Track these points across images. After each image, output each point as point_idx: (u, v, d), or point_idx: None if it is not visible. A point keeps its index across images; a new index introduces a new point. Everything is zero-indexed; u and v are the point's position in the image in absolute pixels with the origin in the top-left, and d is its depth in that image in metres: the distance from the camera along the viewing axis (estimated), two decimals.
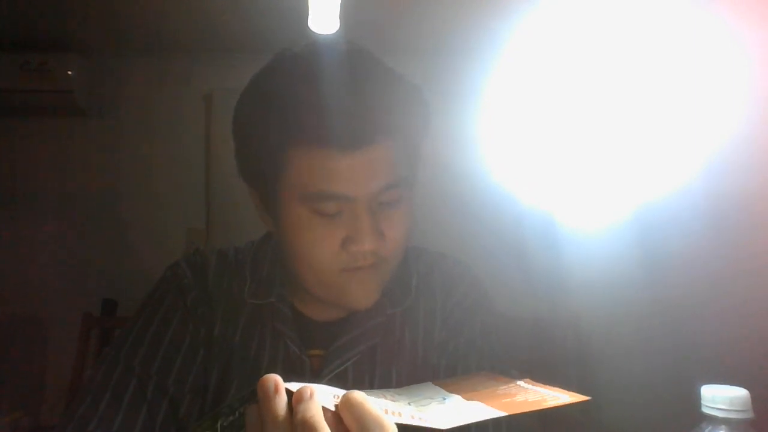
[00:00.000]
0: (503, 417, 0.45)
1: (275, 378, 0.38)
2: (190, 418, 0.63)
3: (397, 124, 0.60)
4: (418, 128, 0.65)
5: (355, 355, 0.66)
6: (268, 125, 0.60)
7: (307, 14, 1.71)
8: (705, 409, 0.48)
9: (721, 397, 0.47)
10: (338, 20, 1.74)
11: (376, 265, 0.62)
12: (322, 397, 0.38)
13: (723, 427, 0.47)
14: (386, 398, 0.45)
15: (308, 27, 1.76)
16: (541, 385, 0.48)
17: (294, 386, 0.38)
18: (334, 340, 0.67)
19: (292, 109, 0.58)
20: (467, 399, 0.47)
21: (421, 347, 0.69)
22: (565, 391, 0.47)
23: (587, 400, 0.46)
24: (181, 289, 0.68)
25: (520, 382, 0.50)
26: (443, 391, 0.49)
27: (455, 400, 0.47)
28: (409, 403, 0.45)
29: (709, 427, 0.48)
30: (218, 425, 0.39)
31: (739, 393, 0.47)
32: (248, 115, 0.63)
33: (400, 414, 0.41)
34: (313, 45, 0.63)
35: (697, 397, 0.49)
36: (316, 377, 0.65)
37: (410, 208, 0.65)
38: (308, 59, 0.61)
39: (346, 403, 0.38)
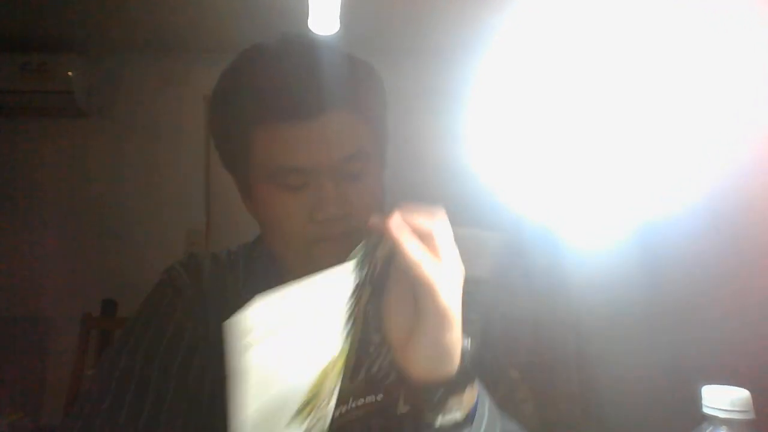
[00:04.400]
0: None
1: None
2: (191, 415, 0.64)
3: (350, 97, 0.64)
4: (373, 102, 0.68)
5: None
6: (232, 110, 0.65)
7: (307, 15, 1.71)
8: (706, 410, 0.48)
9: (722, 398, 0.47)
10: (338, 21, 1.74)
11: (348, 234, 0.63)
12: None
13: (724, 427, 0.47)
14: None
15: (308, 27, 1.76)
16: None
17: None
18: None
19: (250, 92, 0.63)
20: None
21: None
22: None
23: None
24: (177, 289, 0.70)
25: None
26: None
27: None
28: None
29: (710, 428, 0.48)
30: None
31: (740, 394, 0.47)
32: (215, 105, 0.68)
33: None
34: (275, 39, 0.67)
35: (698, 398, 0.49)
36: None
37: (378, 182, 0.68)
38: (267, 48, 0.66)
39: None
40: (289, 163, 0.62)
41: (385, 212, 0.72)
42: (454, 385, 0.49)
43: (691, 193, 1.37)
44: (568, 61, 1.71)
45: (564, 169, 1.84)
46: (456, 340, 0.48)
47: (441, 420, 0.49)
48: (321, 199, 0.61)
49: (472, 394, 0.51)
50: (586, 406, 1.83)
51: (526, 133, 1.91)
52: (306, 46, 0.66)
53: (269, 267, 0.72)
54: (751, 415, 0.47)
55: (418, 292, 0.47)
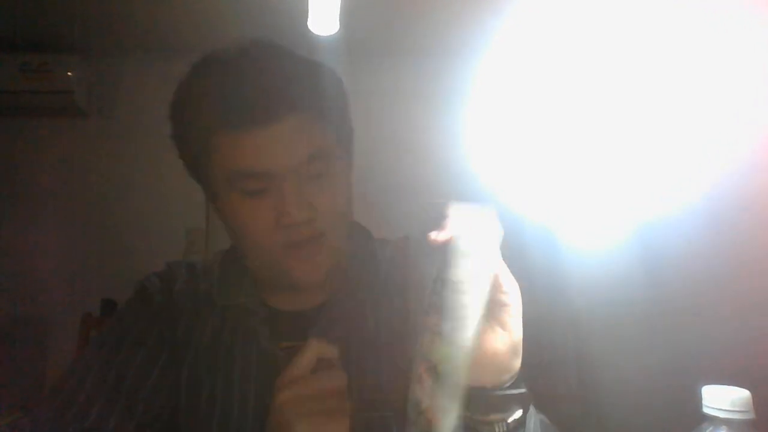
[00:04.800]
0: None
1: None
2: (161, 416, 0.67)
3: (307, 99, 0.64)
4: (331, 102, 0.69)
5: (319, 332, 0.67)
6: (190, 120, 0.66)
7: (307, 15, 1.71)
8: (706, 410, 0.48)
9: (722, 398, 0.47)
10: (338, 21, 1.74)
11: (315, 238, 0.64)
12: None
13: (724, 427, 0.47)
14: None
15: (308, 27, 1.76)
16: None
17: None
18: (307, 329, 0.68)
19: (206, 101, 0.64)
20: None
21: (394, 335, 0.70)
22: None
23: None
24: (148, 295, 0.73)
25: None
26: None
27: None
28: None
29: (711, 428, 0.48)
30: None
31: (741, 394, 0.47)
32: (174, 115, 0.69)
33: None
34: (231, 47, 0.67)
35: (698, 398, 0.49)
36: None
37: (344, 183, 0.69)
38: (221, 57, 0.66)
39: None
40: (247, 169, 0.62)
41: (352, 213, 0.73)
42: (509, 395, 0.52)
43: (690, 194, 1.37)
44: (567, 61, 1.71)
45: (564, 168, 1.84)
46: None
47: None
48: (284, 203, 0.62)
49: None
50: (586, 406, 1.83)
51: (527, 133, 1.91)
52: (261, 51, 0.66)
53: (243, 274, 0.73)
54: (751, 415, 0.47)
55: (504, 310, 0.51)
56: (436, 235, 0.48)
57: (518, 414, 0.51)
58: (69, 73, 2.00)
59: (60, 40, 2.02)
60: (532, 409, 0.54)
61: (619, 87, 1.57)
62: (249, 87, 0.61)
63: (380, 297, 0.72)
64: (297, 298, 0.71)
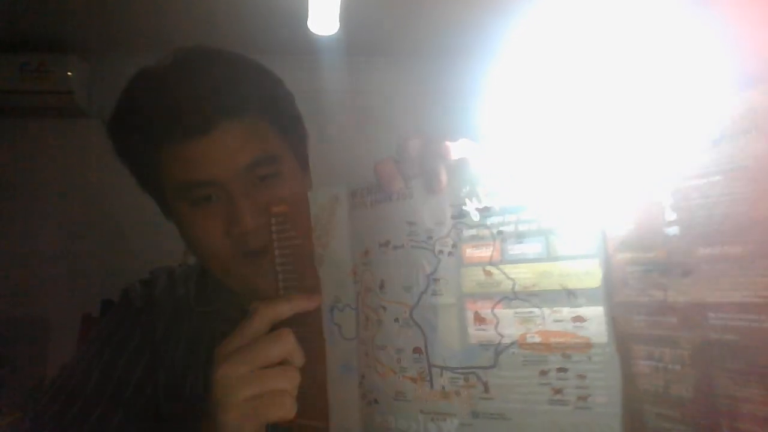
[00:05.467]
0: None
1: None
2: (145, 416, 0.68)
3: (242, 104, 0.62)
4: (274, 103, 0.67)
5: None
6: (131, 135, 0.64)
7: (307, 15, 1.71)
8: None
9: None
10: (338, 21, 1.74)
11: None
12: None
13: None
14: None
15: (308, 28, 1.77)
16: None
17: None
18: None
19: (142, 116, 0.62)
20: None
21: None
22: None
23: None
24: (129, 300, 0.76)
25: None
26: None
27: None
28: None
29: None
30: None
31: None
32: (115, 132, 0.67)
33: None
34: (163, 58, 0.67)
35: None
36: None
37: (297, 180, 0.66)
38: (153, 72, 0.65)
39: None
40: (192, 178, 0.61)
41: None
42: None
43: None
44: (567, 59, 1.71)
45: (565, 168, 1.84)
46: None
47: None
48: (234, 212, 0.60)
49: None
50: None
51: (527, 133, 1.91)
52: (191, 60, 0.65)
53: (219, 281, 0.71)
54: None
55: None
56: None
57: None
58: (69, 73, 2.00)
59: (60, 40, 2.02)
60: None
61: (622, 88, 1.57)
62: (181, 97, 0.60)
63: None
64: None
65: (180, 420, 0.67)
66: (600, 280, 0.39)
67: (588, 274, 0.39)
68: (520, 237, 0.42)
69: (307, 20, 1.73)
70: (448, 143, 0.44)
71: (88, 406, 0.67)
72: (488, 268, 0.42)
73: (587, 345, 0.38)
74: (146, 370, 0.70)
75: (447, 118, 2.05)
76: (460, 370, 0.43)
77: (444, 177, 0.43)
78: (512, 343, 0.41)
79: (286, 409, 0.45)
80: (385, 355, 0.46)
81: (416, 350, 0.45)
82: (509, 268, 0.41)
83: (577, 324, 0.39)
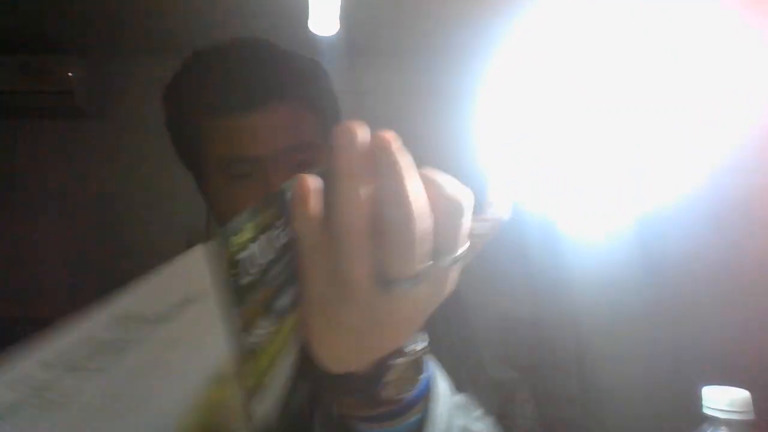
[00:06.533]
0: None
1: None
2: None
3: (295, 90, 0.66)
4: (320, 95, 0.70)
5: None
6: (181, 106, 0.69)
7: (308, 15, 1.71)
8: (706, 410, 0.48)
9: (722, 399, 0.47)
10: (338, 21, 1.74)
11: None
12: None
13: (724, 428, 0.47)
14: None
15: (308, 28, 1.77)
16: None
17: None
18: None
19: (196, 88, 0.67)
20: None
21: None
22: None
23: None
24: None
25: None
26: None
27: None
28: None
29: (710, 429, 0.48)
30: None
31: (740, 394, 0.47)
32: (167, 103, 0.72)
33: None
34: (221, 41, 0.70)
35: (698, 399, 0.49)
36: None
37: None
38: (213, 48, 0.69)
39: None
40: (233, 153, 0.64)
41: None
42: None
43: (691, 194, 1.37)
44: (567, 56, 1.71)
45: (566, 166, 1.84)
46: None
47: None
48: (267, 191, 0.62)
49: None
50: (586, 406, 1.83)
51: (527, 133, 1.91)
52: (249, 45, 0.69)
53: None
54: (751, 415, 0.47)
55: None
56: None
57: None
58: (69, 74, 2.00)
59: (60, 40, 2.01)
60: None
61: (622, 87, 1.57)
62: (236, 76, 0.64)
63: None
64: None
65: None
66: None
67: None
68: None
69: (307, 21, 1.73)
70: None
71: None
72: None
73: None
74: None
75: (447, 118, 2.04)
76: None
77: None
78: None
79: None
80: None
81: None
82: None
83: None
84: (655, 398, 1.52)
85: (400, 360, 0.38)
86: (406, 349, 0.39)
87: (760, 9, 1.14)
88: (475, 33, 1.93)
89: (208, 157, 0.67)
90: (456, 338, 0.70)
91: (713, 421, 0.47)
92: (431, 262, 0.32)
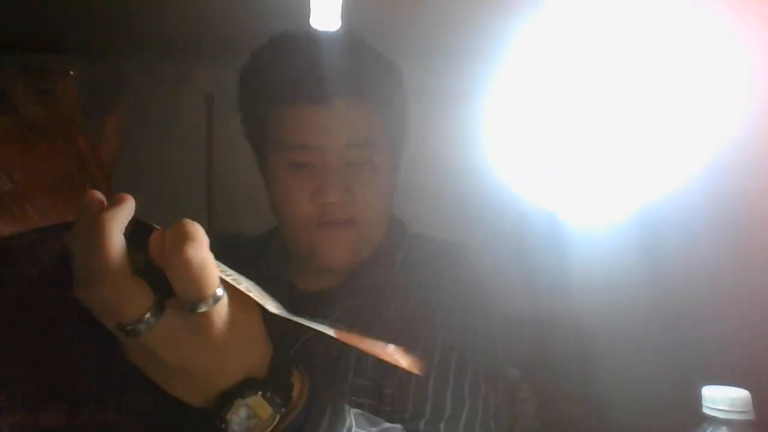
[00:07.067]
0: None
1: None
2: None
3: (364, 87, 0.67)
4: (388, 95, 0.71)
5: (334, 310, 0.69)
6: (253, 90, 0.71)
7: (309, 14, 1.71)
8: (706, 410, 0.48)
9: (722, 398, 0.47)
10: (340, 19, 1.74)
11: (348, 224, 0.67)
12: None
13: (724, 427, 0.47)
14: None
15: (310, 25, 1.76)
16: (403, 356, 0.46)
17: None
18: (319, 307, 0.69)
19: (269, 74, 0.68)
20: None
21: (403, 318, 0.68)
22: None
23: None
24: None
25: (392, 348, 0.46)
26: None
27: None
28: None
29: (711, 428, 0.48)
30: None
31: (740, 394, 0.47)
32: (241, 83, 0.73)
33: (237, 281, 0.39)
34: (300, 28, 0.71)
35: (698, 398, 0.49)
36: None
37: (385, 177, 0.70)
38: (290, 37, 0.70)
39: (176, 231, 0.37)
40: (297, 140, 0.66)
41: (391, 208, 0.73)
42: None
43: (692, 194, 1.37)
44: (568, 52, 1.71)
45: (567, 166, 1.84)
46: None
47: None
48: (323, 182, 0.64)
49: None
50: (586, 405, 1.83)
51: (528, 133, 1.91)
52: (327, 38, 0.71)
53: (276, 252, 0.76)
54: (751, 415, 0.47)
55: None
56: None
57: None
58: (69, 73, 2.00)
59: (60, 40, 2.02)
60: None
61: (622, 86, 1.57)
62: (311, 67, 0.65)
63: (397, 279, 0.72)
64: (318, 275, 0.73)
65: None
66: None
67: None
68: None
69: (309, 18, 1.73)
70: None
71: None
72: None
73: None
74: None
75: (448, 117, 2.04)
76: None
77: None
78: None
79: None
80: None
81: None
82: None
83: None
84: (655, 398, 1.52)
85: (240, 400, 0.40)
86: (244, 393, 0.40)
87: (760, 8, 1.14)
88: (477, 33, 1.93)
89: (272, 139, 0.69)
90: (478, 338, 0.69)
91: (713, 421, 0.47)
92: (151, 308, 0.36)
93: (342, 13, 1.71)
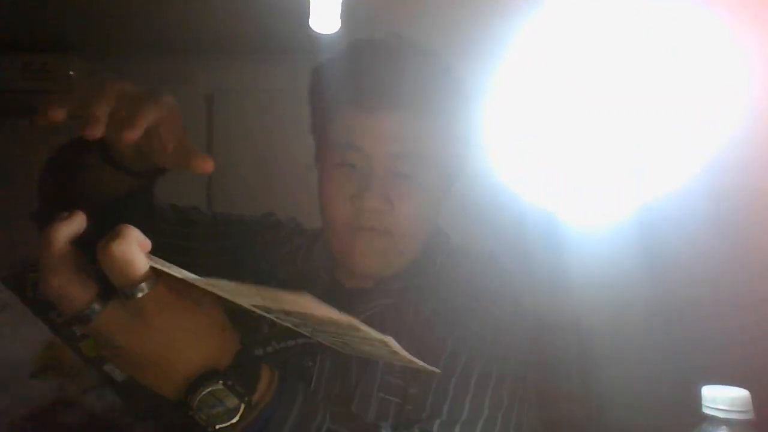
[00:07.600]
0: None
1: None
2: None
3: (422, 100, 0.69)
4: (446, 110, 0.72)
5: (369, 308, 0.71)
6: (326, 88, 0.75)
7: (308, 14, 1.71)
8: (706, 410, 0.48)
9: (722, 398, 0.47)
10: (339, 20, 1.74)
11: (383, 233, 0.68)
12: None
13: (724, 427, 0.47)
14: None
15: (309, 26, 1.76)
16: (403, 351, 0.46)
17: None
18: (357, 303, 0.72)
19: (335, 80, 0.73)
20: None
21: (433, 320, 0.71)
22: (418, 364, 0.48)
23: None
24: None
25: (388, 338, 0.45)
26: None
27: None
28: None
29: (710, 428, 0.48)
30: None
31: (740, 393, 0.47)
32: (312, 84, 0.77)
33: (180, 273, 0.43)
34: (372, 38, 0.75)
35: (698, 398, 0.49)
36: None
37: (431, 190, 0.72)
38: (360, 46, 0.74)
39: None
40: (350, 142, 0.69)
41: (434, 224, 0.75)
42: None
43: (691, 194, 1.37)
44: (568, 51, 1.71)
45: (567, 165, 1.84)
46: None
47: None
48: (365, 186, 0.67)
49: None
50: (586, 405, 1.83)
51: (528, 133, 1.91)
52: (396, 48, 0.73)
53: (325, 248, 0.79)
54: (751, 415, 0.47)
55: None
56: None
57: None
58: (70, 73, 2.00)
59: (60, 40, 2.02)
60: None
61: (622, 85, 1.57)
62: (380, 73, 0.68)
63: (429, 286, 0.74)
64: (357, 278, 0.76)
65: None
66: None
67: None
68: None
69: (308, 19, 1.73)
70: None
71: None
72: None
73: None
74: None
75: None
76: None
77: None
78: None
79: None
80: None
81: None
82: None
83: None
84: (655, 398, 1.52)
85: (202, 388, 0.44)
86: (207, 380, 0.45)
87: (760, 9, 1.14)
88: (477, 33, 1.93)
89: (330, 137, 0.72)
90: (510, 354, 0.73)
91: (713, 420, 0.47)
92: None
93: (342, 13, 1.70)
